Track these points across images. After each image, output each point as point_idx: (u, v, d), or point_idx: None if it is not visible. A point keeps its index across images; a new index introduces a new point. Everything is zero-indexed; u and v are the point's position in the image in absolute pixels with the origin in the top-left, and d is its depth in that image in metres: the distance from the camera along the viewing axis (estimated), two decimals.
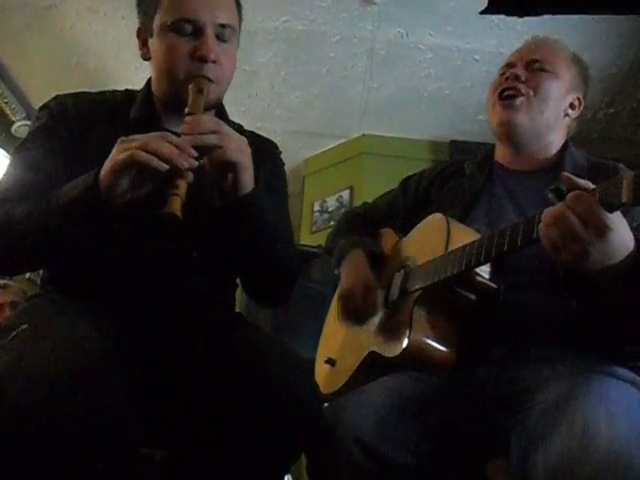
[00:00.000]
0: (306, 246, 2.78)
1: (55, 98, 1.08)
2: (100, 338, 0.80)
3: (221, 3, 1.02)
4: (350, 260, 1.25)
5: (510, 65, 1.21)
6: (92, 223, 0.88)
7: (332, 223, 3.23)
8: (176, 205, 0.80)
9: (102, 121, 1.04)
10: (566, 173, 0.81)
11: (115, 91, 1.13)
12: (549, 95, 1.15)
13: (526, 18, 2.09)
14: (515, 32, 2.45)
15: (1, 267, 1.00)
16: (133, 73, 2.74)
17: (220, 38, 1.00)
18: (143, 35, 1.06)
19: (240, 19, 1.09)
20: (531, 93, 1.14)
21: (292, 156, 3.44)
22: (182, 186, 0.81)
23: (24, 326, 0.82)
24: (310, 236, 3.25)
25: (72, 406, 0.69)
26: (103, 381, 0.74)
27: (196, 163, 0.85)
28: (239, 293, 1.21)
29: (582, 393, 0.78)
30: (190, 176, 0.84)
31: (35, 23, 2.59)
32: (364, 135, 3.27)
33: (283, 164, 1.25)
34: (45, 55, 2.78)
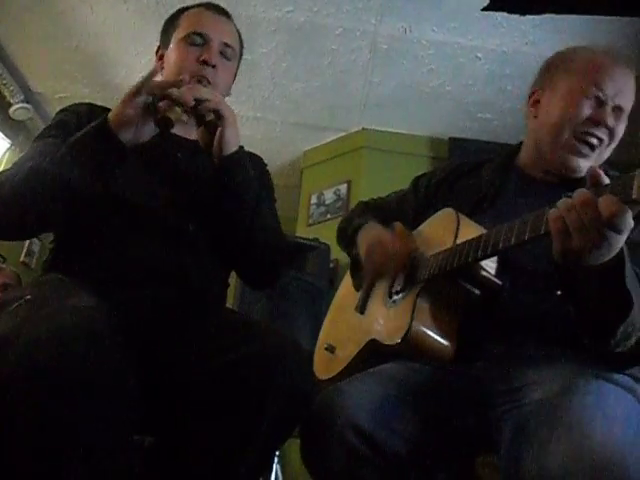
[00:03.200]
0: (302, 238, 2.78)
1: (72, 104, 1.22)
2: (102, 309, 0.82)
3: (227, 27, 1.23)
4: (369, 227, 1.26)
5: (599, 99, 1.09)
6: (101, 162, 0.96)
7: (329, 216, 3.23)
8: (171, 114, 0.95)
9: None
10: (594, 167, 0.78)
11: None
12: (619, 139, 1.13)
13: (529, 17, 2.09)
14: (519, 31, 2.45)
15: (13, 226, 1.00)
16: (133, 58, 2.73)
17: (223, 55, 1.19)
18: (161, 51, 1.25)
19: (241, 53, 1.28)
20: (608, 143, 1.11)
21: (291, 148, 3.44)
22: (178, 110, 0.97)
23: (27, 297, 0.84)
24: (306, 229, 3.25)
25: (72, 371, 0.71)
26: (104, 348, 0.76)
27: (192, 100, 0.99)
28: (232, 286, 1.22)
29: (580, 394, 0.78)
30: (184, 109, 0.98)
31: (36, 5, 2.57)
32: (364, 129, 3.27)
33: (269, 175, 1.33)
34: (45, 38, 2.76)
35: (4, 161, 3.16)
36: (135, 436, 0.94)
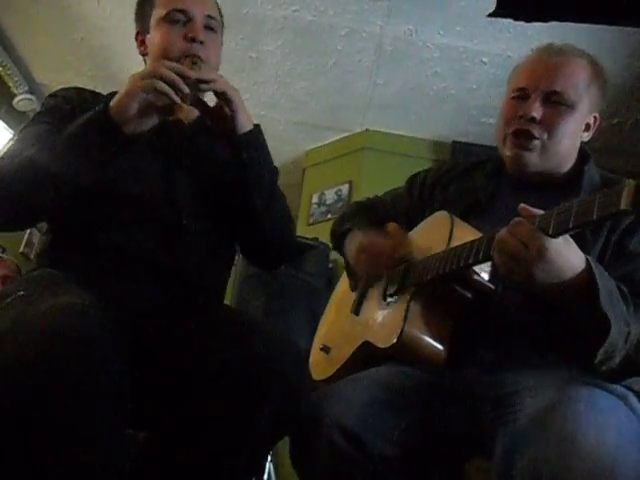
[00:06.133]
0: (302, 238, 2.78)
1: (61, 89, 1.18)
2: (94, 306, 0.82)
3: (208, 0, 1.17)
4: (355, 233, 1.25)
5: (523, 91, 1.11)
6: (101, 151, 0.94)
7: (329, 216, 3.23)
8: (180, 114, 0.92)
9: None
10: (523, 204, 0.86)
11: (115, 92, 1.19)
12: (565, 134, 1.09)
13: (535, 24, 2.09)
14: (524, 37, 2.45)
15: (10, 216, 1.01)
16: (138, 55, 2.77)
17: (208, 27, 1.13)
18: (141, 36, 1.20)
19: (222, 20, 1.22)
20: (545, 136, 1.08)
21: (293, 147, 3.44)
22: (185, 108, 0.94)
23: (20, 292, 0.84)
24: (306, 228, 3.25)
25: (63, 369, 0.71)
26: (93, 348, 0.75)
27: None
28: (230, 284, 1.22)
29: (572, 401, 0.79)
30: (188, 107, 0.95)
31: None
32: (367, 130, 3.27)
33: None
34: (51, 30, 2.76)
35: None
36: (129, 430, 0.94)
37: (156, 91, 0.92)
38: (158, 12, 1.13)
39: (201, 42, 1.09)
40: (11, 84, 3.02)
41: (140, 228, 1.04)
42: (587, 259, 0.86)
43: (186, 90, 0.93)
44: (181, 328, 0.95)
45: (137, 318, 0.95)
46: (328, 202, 3.31)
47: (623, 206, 0.72)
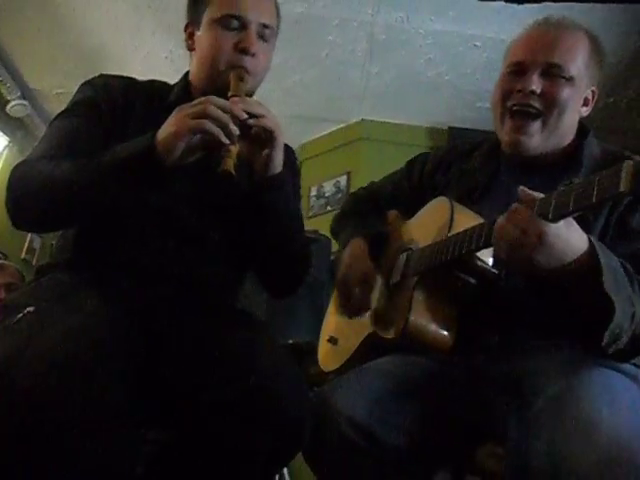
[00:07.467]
0: None
1: (100, 76, 1.14)
2: (104, 326, 0.82)
3: (266, 5, 1.12)
4: (350, 248, 1.24)
5: (520, 66, 1.09)
6: (141, 184, 0.92)
7: (329, 208, 3.23)
8: (230, 165, 0.89)
9: (142, 102, 1.10)
10: (522, 187, 0.85)
11: (153, 80, 1.20)
12: (566, 108, 1.06)
13: (527, 5, 2.07)
14: (517, 19, 2.43)
15: (37, 222, 1.01)
16: (131, 53, 2.70)
17: (261, 37, 1.09)
18: (191, 29, 1.14)
19: (278, 24, 1.18)
20: (546, 109, 1.05)
21: (289, 140, 3.36)
22: (233, 150, 0.91)
23: (30, 308, 0.84)
24: (306, 221, 3.22)
25: (72, 396, 0.72)
26: (105, 373, 0.77)
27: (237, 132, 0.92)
28: None
29: (586, 383, 0.79)
30: (237, 146, 0.92)
31: (34, 1, 2.55)
32: (363, 120, 3.26)
33: (299, 169, 1.29)
34: (42, 34, 2.74)
35: (2, 158, 3.16)
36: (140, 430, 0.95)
37: (205, 132, 0.89)
38: (212, 11, 1.07)
39: (253, 54, 1.06)
40: (4, 90, 3.00)
41: (164, 237, 1.03)
42: (590, 239, 0.85)
43: (236, 132, 0.90)
44: (194, 337, 0.94)
45: (151, 323, 0.95)
46: (327, 194, 3.30)
47: (622, 188, 0.71)
